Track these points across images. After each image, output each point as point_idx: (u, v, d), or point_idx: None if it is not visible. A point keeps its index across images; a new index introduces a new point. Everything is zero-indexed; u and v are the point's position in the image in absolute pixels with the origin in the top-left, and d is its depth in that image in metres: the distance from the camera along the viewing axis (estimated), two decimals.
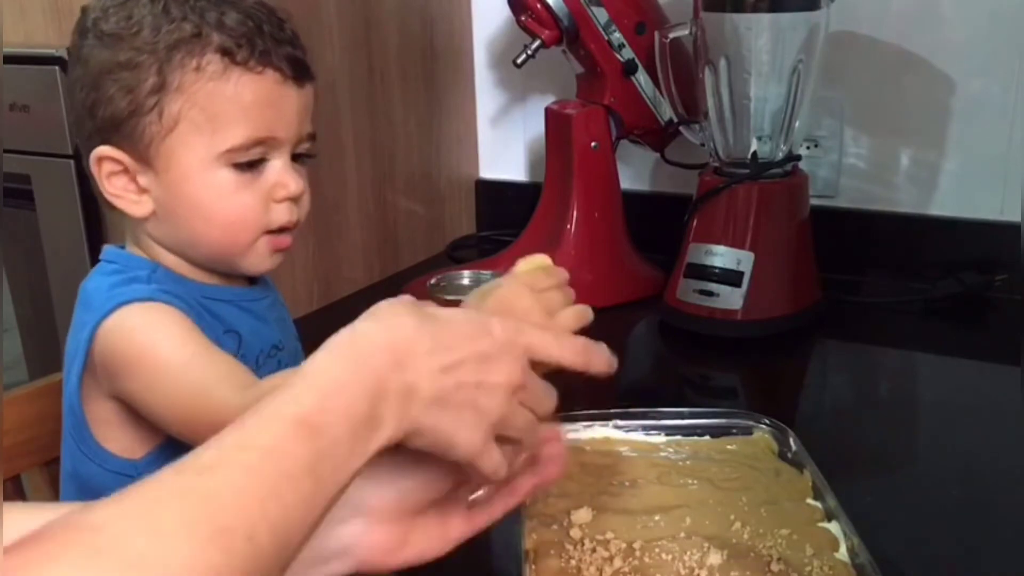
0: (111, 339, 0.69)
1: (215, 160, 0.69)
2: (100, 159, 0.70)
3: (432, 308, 0.58)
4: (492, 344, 0.57)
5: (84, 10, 0.71)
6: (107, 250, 0.77)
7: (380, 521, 0.59)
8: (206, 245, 0.73)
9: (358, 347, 0.54)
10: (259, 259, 0.74)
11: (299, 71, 0.71)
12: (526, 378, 0.58)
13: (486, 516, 0.63)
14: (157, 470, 0.62)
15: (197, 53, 0.67)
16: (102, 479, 0.72)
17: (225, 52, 0.67)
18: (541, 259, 0.68)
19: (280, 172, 0.72)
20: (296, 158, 0.73)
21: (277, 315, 0.82)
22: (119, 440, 0.72)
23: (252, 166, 0.70)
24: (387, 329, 0.55)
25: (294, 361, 0.81)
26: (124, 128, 0.69)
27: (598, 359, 0.62)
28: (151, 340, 0.69)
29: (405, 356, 0.54)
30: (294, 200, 0.73)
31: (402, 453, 0.56)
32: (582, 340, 0.62)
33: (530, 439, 0.60)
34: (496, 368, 0.57)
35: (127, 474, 0.72)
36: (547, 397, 0.60)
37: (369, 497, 0.59)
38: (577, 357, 0.60)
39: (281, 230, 0.74)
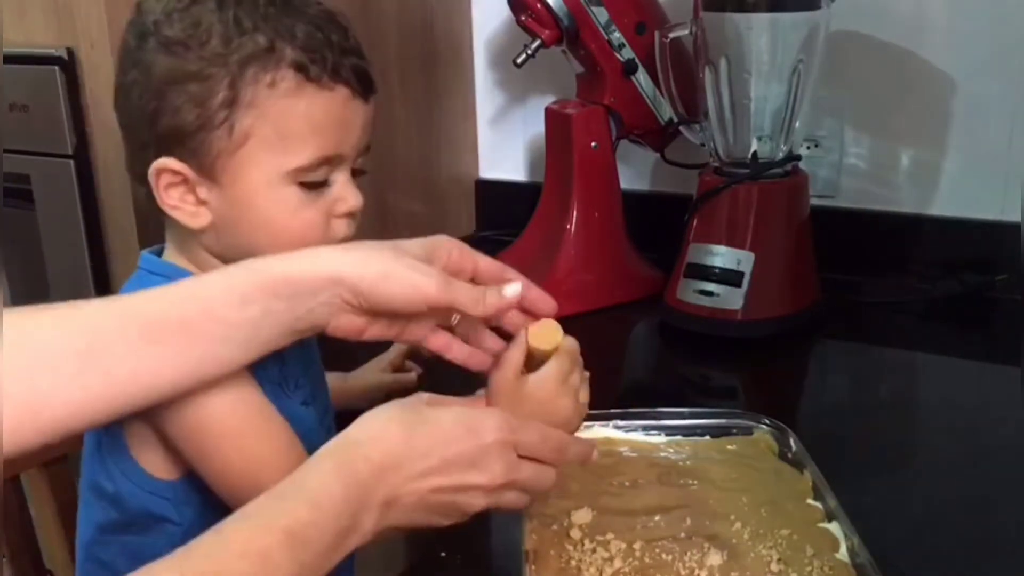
0: None
1: (283, 177, 0.68)
2: (160, 171, 0.68)
3: (425, 410, 0.63)
4: (478, 447, 0.62)
5: (140, 10, 0.68)
6: (146, 258, 0.74)
7: (345, 310, 0.64)
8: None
9: (350, 460, 0.59)
10: None
11: (366, 85, 0.70)
12: (512, 475, 0.63)
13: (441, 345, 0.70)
14: (191, 492, 0.69)
15: (271, 68, 0.65)
16: (138, 499, 0.71)
17: (299, 68, 0.66)
18: (553, 330, 0.70)
19: (342, 187, 0.71)
20: (352, 173, 0.72)
21: None
22: (154, 459, 0.70)
23: (317, 184, 0.69)
24: (376, 440, 0.60)
25: (322, 377, 0.81)
26: (190, 142, 0.66)
27: (576, 456, 0.68)
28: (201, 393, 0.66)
29: (390, 469, 0.59)
30: (352, 215, 0.72)
31: (385, 265, 0.64)
32: (564, 440, 0.67)
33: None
34: (480, 470, 0.62)
35: (163, 496, 0.70)
36: (540, 481, 0.66)
37: (344, 288, 0.63)
38: (557, 456, 0.66)
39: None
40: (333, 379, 0.88)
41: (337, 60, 0.67)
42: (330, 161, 0.69)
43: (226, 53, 0.65)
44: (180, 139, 0.66)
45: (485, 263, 0.70)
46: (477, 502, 0.63)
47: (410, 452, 0.60)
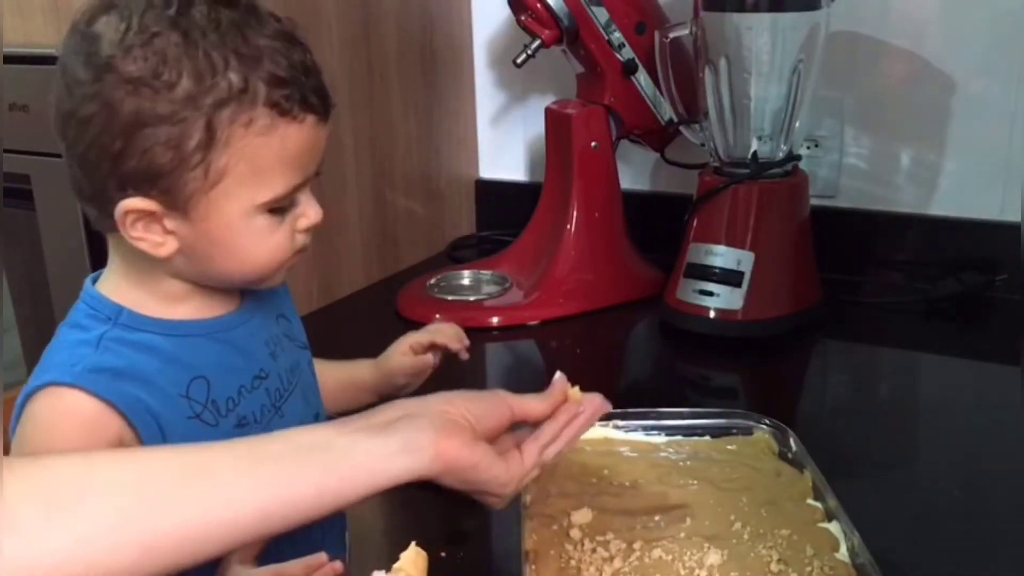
0: (22, 425, 0.67)
1: (255, 209, 0.68)
2: (127, 211, 0.66)
3: None
4: None
5: (92, 39, 0.64)
6: (87, 286, 0.73)
7: (458, 429, 0.63)
8: (231, 280, 0.72)
9: None
10: (274, 280, 0.74)
11: (327, 105, 0.70)
12: None
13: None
14: None
15: (247, 108, 0.64)
16: None
17: (273, 105, 0.65)
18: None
19: (304, 204, 0.71)
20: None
21: (268, 335, 0.78)
22: None
23: (286, 207, 0.70)
24: None
25: (280, 385, 0.77)
26: (161, 182, 0.65)
27: None
28: (39, 449, 0.65)
29: None
30: (314, 228, 0.73)
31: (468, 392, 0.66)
32: None
33: None
34: None
35: None
36: None
37: (449, 409, 0.64)
38: None
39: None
40: (368, 366, 0.90)
41: (303, 88, 0.66)
42: (298, 187, 0.69)
43: (199, 94, 0.63)
44: (151, 179, 0.65)
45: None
46: None
47: None
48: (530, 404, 0.69)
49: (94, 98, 0.64)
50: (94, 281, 0.73)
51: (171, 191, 0.65)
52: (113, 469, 0.56)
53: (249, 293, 0.77)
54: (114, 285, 0.72)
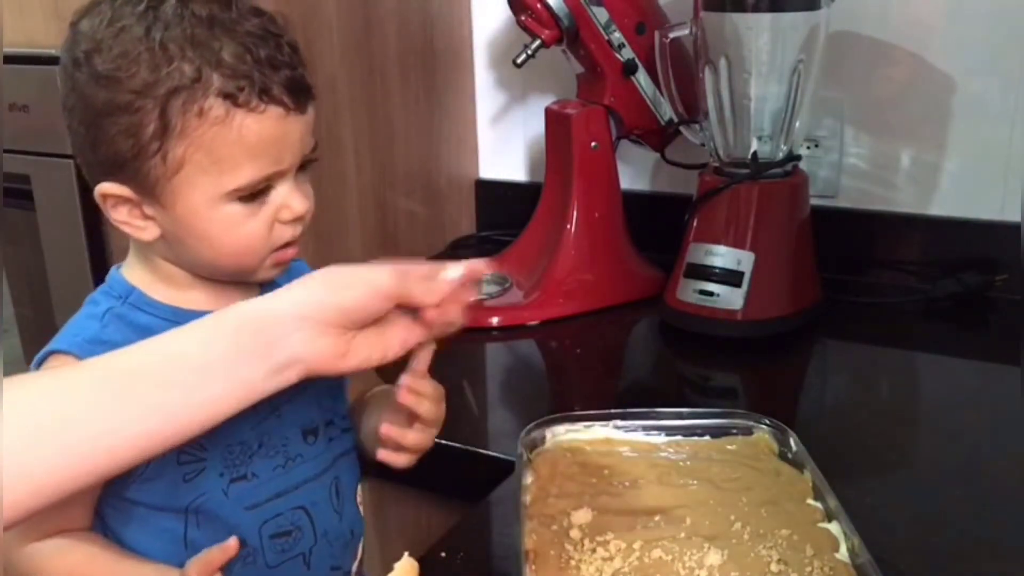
0: None
1: (222, 197, 0.69)
2: (104, 195, 0.70)
3: None
4: None
5: (74, 34, 0.69)
6: (112, 271, 0.77)
7: (323, 333, 0.63)
8: (212, 268, 0.74)
9: None
10: (265, 272, 0.75)
11: (300, 96, 0.70)
12: None
13: (423, 330, 0.68)
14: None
15: (199, 98, 0.66)
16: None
17: (227, 95, 0.66)
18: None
19: (286, 195, 0.71)
20: (300, 167, 0.73)
21: None
22: None
23: (258, 195, 0.70)
24: None
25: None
26: (127, 168, 0.68)
27: None
28: None
29: None
30: (299, 219, 0.73)
31: (341, 277, 0.65)
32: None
33: None
34: None
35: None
36: None
37: (313, 311, 0.63)
38: None
39: (285, 245, 0.74)
40: None
41: (266, 81, 0.67)
42: (269, 178, 0.70)
43: (153, 83, 0.65)
44: (119, 165, 0.68)
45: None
46: None
47: None
48: (419, 295, 0.67)
49: (73, 90, 0.69)
50: (119, 267, 0.78)
51: (137, 178, 0.68)
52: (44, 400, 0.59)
53: (271, 287, 0.78)
54: (130, 267, 0.77)
